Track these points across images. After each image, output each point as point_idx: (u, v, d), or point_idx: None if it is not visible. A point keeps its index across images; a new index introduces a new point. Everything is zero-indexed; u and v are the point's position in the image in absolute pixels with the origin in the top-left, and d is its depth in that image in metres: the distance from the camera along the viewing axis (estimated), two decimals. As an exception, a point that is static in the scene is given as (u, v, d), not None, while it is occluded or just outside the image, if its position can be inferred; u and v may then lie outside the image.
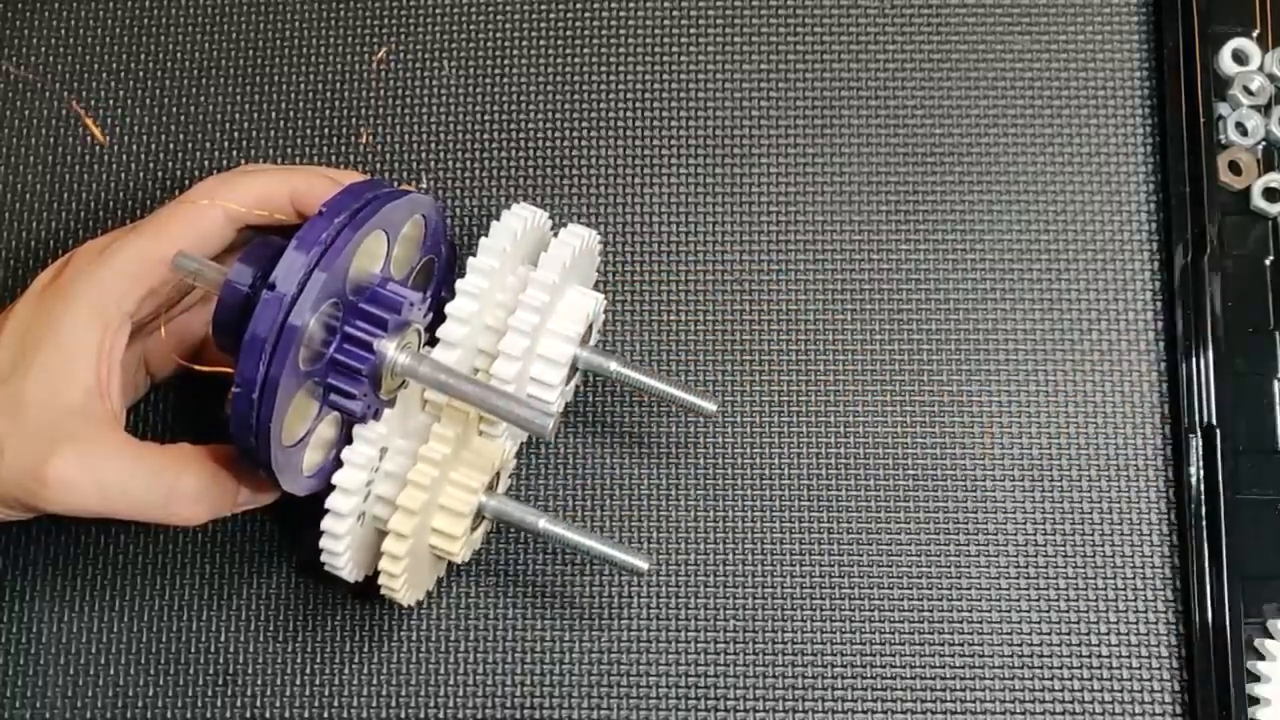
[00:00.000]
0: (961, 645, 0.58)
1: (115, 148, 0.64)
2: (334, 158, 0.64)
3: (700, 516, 0.60)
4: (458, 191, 0.63)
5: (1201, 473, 0.58)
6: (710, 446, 0.61)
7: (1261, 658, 0.57)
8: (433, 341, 0.53)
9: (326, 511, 0.51)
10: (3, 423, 0.50)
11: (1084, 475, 0.60)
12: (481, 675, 0.59)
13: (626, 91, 0.65)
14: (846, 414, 0.61)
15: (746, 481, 0.60)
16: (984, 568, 0.59)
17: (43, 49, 0.66)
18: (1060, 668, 0.58)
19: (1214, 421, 0.58)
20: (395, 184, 0.57)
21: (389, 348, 0.50)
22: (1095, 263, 0.62)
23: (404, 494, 0.51)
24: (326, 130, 0.64)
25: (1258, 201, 0.61)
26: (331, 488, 0.51)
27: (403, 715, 0.58)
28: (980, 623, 0.59)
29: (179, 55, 0.65)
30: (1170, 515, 0.59)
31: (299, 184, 0.54)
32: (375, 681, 0.59)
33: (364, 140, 0.64)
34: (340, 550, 0.51)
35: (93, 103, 0.65)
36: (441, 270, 0.57)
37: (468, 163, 0.64)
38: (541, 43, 0.65)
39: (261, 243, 0.50)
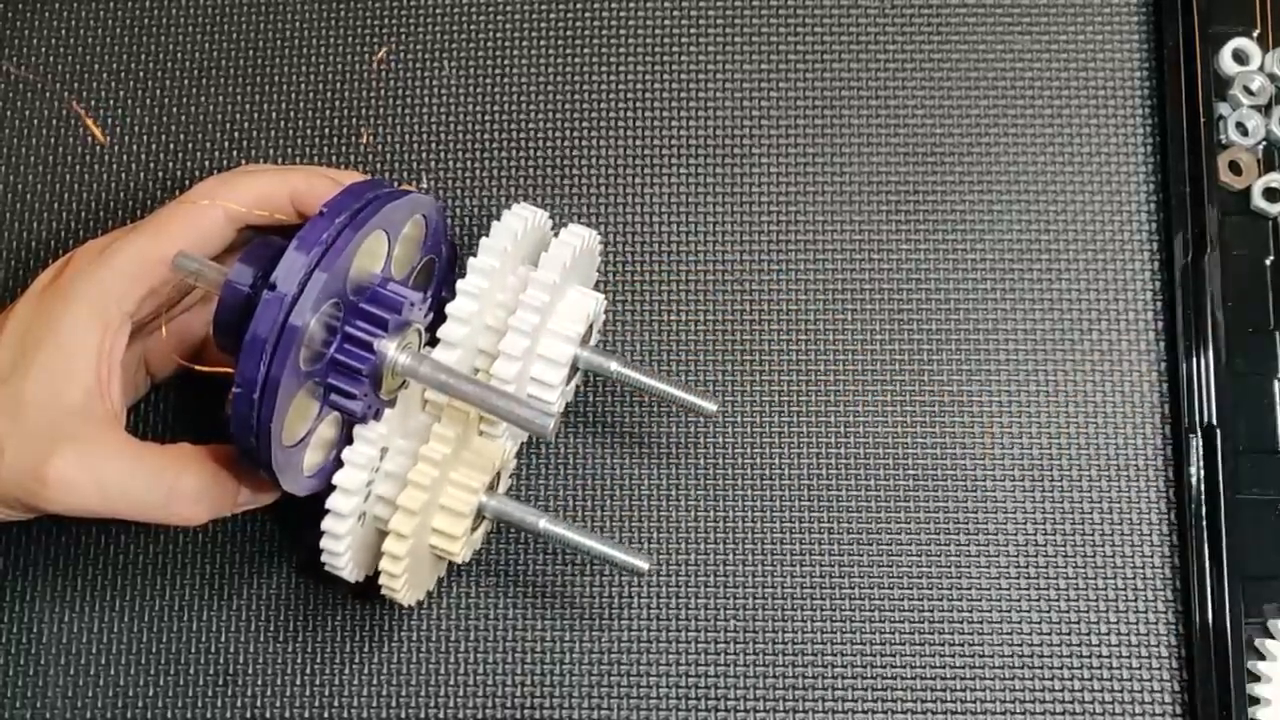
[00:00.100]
0: (961, 645, 0.58)
1: (115, 148, 0.64)
2: (334, 158, 0.64)
3: (700, 516, 0.60)
4: (458, 191, 0.63)
5: (1201, 473, 0.58)
6: (710, 446, 0.61)
7: (1262, 658, 0.57)
8: (433, 341, 0.53)
9: (327, 511, 0.51)
10: (3, 423, 0.50)
11: (1084, 475, 0.60)
12: (481, 675, 0.59)
13: (626, 91, 0.65)
14: (846, 414, 0.61)
15: (746, 481, 0.60)
16: (984, 568, 0.59)
17: (43, 49, 0.66)
18: (1060, 668, 0.58)
19: (1214, 421, 0.58)
20: (396, 184, 0.57)
21: (389, 348, 0.50)
22: (1095, 263, 0.62)
23: (404, 494, 0.51)
24: (327, 130, 0.64)
25: (1258, 201, 0.61)
26: (332, 488, 0.51)
27: (403, 715, 0.58)
28: (980, 623, 0.59)
29: (179, 55, 0.65)
30: (1170, 515, 0.59)
31: (299, 184, 0.54)
32: (375, 681, 0.59)
33: (364, 140, 0.64)
34: (341, 550, 0.51)
35: (93, 103, 0.65)
36: (442, 270, 0.57)
37: (468, 163, 0.64)
38: (541, 43, 0.65)
39: (262, 243, 0.50)
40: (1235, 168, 0.62)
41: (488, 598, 0.59)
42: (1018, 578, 0.59)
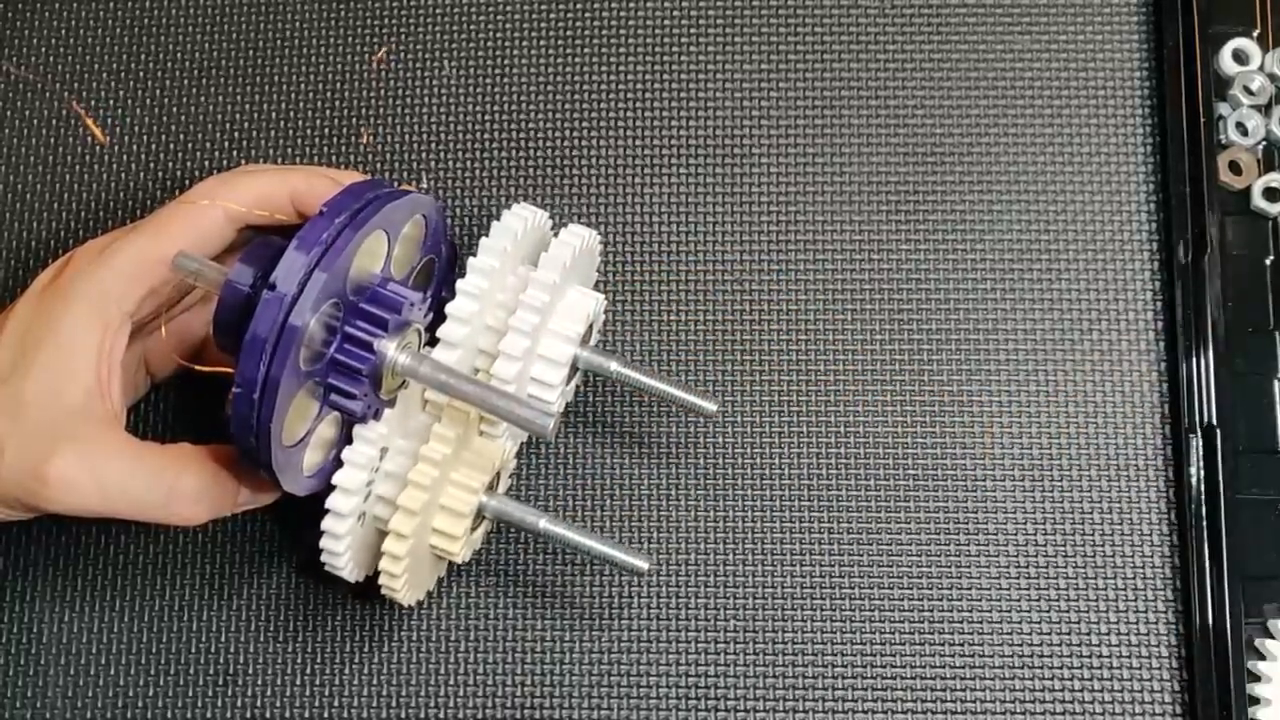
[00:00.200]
0: (961, 645, 0.58)
1: (115, 148, 0.64)
2: (334, 158, 0.64)
3: (700, 516, 0.60)
4: (458, 191, 0.63)
5: (1201, 473, 0.58)
6: (710, 446, 0.61)
7: (1262, 658, 0.57)
8: (433, 341, 0.53)
9: (327, 511, 0.51)
10: (3, 423, 0.50)
11: (1084, 475, 0.60)
12: (481, 675, 0.59)
13: (626, 91, 0.65)
14: (846, 414, 0.61)
15: (746, 481, 0.60)
16: (984, 568, 0.59)
17: (43, 49, 0.66)
18: (1060, 668, 0.58)
19: (1214, 421, 0.58)
20: (395, 184, 0.57)
21: (389, 348, 0.50)
22: (1095, 263, 0.62)
23: (404, 494, 0.51)
24: (327, 130, 0.64)
25: (1258, 201, 0.61)
26: (332, 488, 0.51)
27: (403, 715, 0.58)
28: (980, 623, 0.59)
29: (179, 55, 0.65)
30: (1170, 515, 0.59)
31: (299, 184, 0.54)
32: (375, 681, 0.59)
33: (364, 140, 0.64)
34: (341, 550, 0.51)
35: (93, 103, 0.65)
36: (442, 270, 0.57)
37: (468, 163, 0.64)
38: (541, 43, 0.65)
39: (262, 243, 0.50)
40: (1235, 168, 0.62)
41: (488, 598, 0.59)
42: (1018, 578, 0.59)
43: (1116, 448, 0.60)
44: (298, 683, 0.59)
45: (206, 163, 0.64)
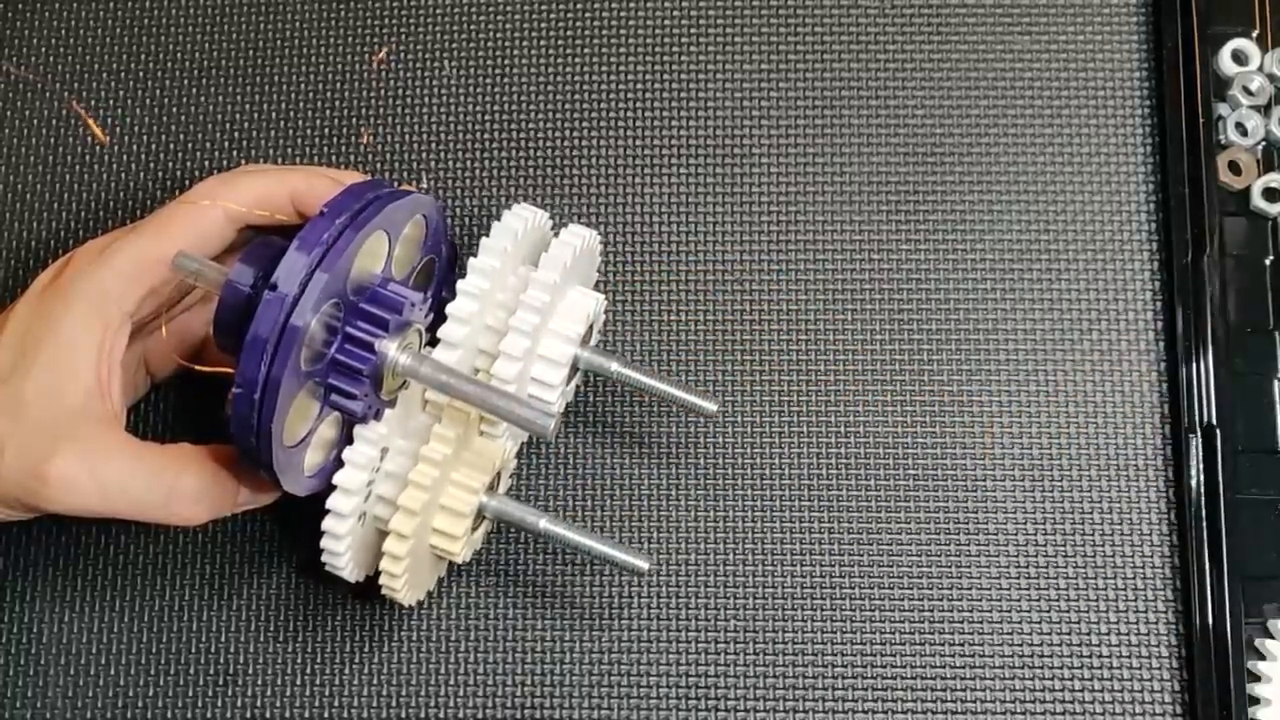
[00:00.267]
0: (961, 645, 0.58)
1: (115, 148, 0.64)
2: (334, 158, 0.64)
3: (700, 516, 0.60)
4: (458, 191, 0.63)
5: (1201, 473, 0.58)
6: (710, 446, 0.61)
7: (1262, 658, 0.57)
8: (433, 342, 0.53)
9: (327, 512, 0.51)
10: (3, 423, 0.50)
11: (1084, 475, 0.60)
12: (481, 675, 0.59)
13: (626, 91, 0.65)
14: (846, 414, 0.61)
15: (746, 481, 0.60)
16: (984, 568, 0.59)
17: (43, 49, 0.66)
18: (1060, 668, 0.58)
19: (1214, 421, 0.58)
20: (396, 184, 0.57)
21: (390, 348, 0.50)
22: (1095, 263, 0.62)
23: (405, 494, 0.51)
24: (327, 130, 0.64)
25: (1257, 202, 0.61)
26: (332, 488, 0.51)
27: (403, 715, 0.58)
28: (980, 623, 0.59)
29: (179, 55, 0.65)
30: (1170, 515, 0.59)
31: (299, 184, 0.54)
32: (375, 681, 0.59)
33: (365, 140, 0.64)
34: (341, 550, 0.51)
35: (93, 103, 0.65)
36: (442, 270, 0.57)
37: (468, 163, 0.64)
38: (541, 43, 0.65)
39: (262, 243, 0.50)
40: (1235, 168, 0.62)
41: (488, 598, 0.59)
42: (1018, 578, 0.59)
43: (1116, 448, 0.60)
44: (298, 683, 0.59)
45: (206, 163, 0.64)
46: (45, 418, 0.50)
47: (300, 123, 0.64)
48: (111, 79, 0.65)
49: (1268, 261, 0.61)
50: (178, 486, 0.51)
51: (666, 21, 0.65)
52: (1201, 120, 0.61)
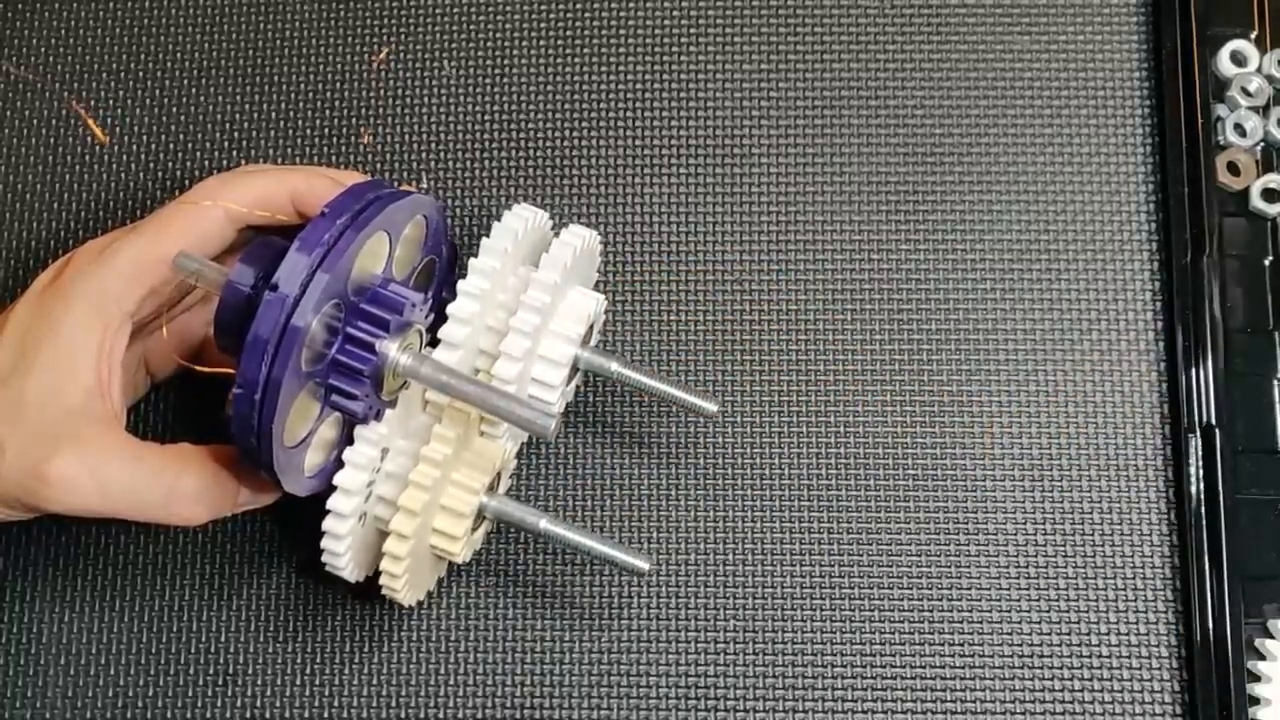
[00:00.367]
0: (961, 645, 0.58)
1: (115, 148, 0.64)
2: (334, 158, 0.64)
3: (700, 516, 0.60)
4: (458, 192, 0.63)
5: (1201, 473, 0.58)
6: (710, 446, 0.61)
7: (1262, 658, 0.57)
8: (434, 342, 0.53)
9: (328, 512, 0.51)
10: (4, 423, 0.50)
11: (1084, 475, 0.60)
12: (481, 675, 0.59)
13: (626, 91, 0.65)
14: (846, 414, 0.61)
15: (746, 481, 0.60)
16: (984, 568, 0.59)
17: (43, 49, 0.66)
18: (1060, 668, 0.58)
19: (1214, 421, 0.58)
20: (396, 184, 0.57)
21: (391, 349, 0.50)
22: (1095, 263, 0.62)
23: (405, 494, 0.51)
24: (327, 130, 0.64)
25: (1256, 202, 0.62)
26: (333, 488, 0.51)
27: (403, 715, 0.58)
28: (980, 623, 0.59)
29: (179, 55, 0.65)
30: (1170, 515, 0.59)
31: (299, 184, 0.54)
32: (375, 681, 0.59)
33: (365, 141, 0.64)
34: (341, 550, 0.51)
35: (93, 103, 0.65)
36: (442, 271, 0.57)
37: (468, 163, 0.64)
38: (541, 43, 0.65)
39: (262, 243, 0.50)
40: (1234, 168, 0.62)
41: (488, 598, 0.59)
42: (1018, 578, 0.59)
43: (1116, 448, 0.60)
44: (298, 683, 0.59)
45: (206, 163, 0.64)
46: (45, 418, 0.50)
47: (300, 123, 0.64)
48: (111, 79, 0.65)
49: (1267, 262, 0.61)
50: (178, 486, 0.51)
51: (666, 21, 0.65)
52: (1200, 121, 0.62)
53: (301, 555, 0.60)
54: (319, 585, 0.59)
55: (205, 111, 0.65)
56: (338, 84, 0.65)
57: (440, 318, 0.52)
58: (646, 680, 0.58)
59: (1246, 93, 0.63)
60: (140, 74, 0.65)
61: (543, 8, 0.66)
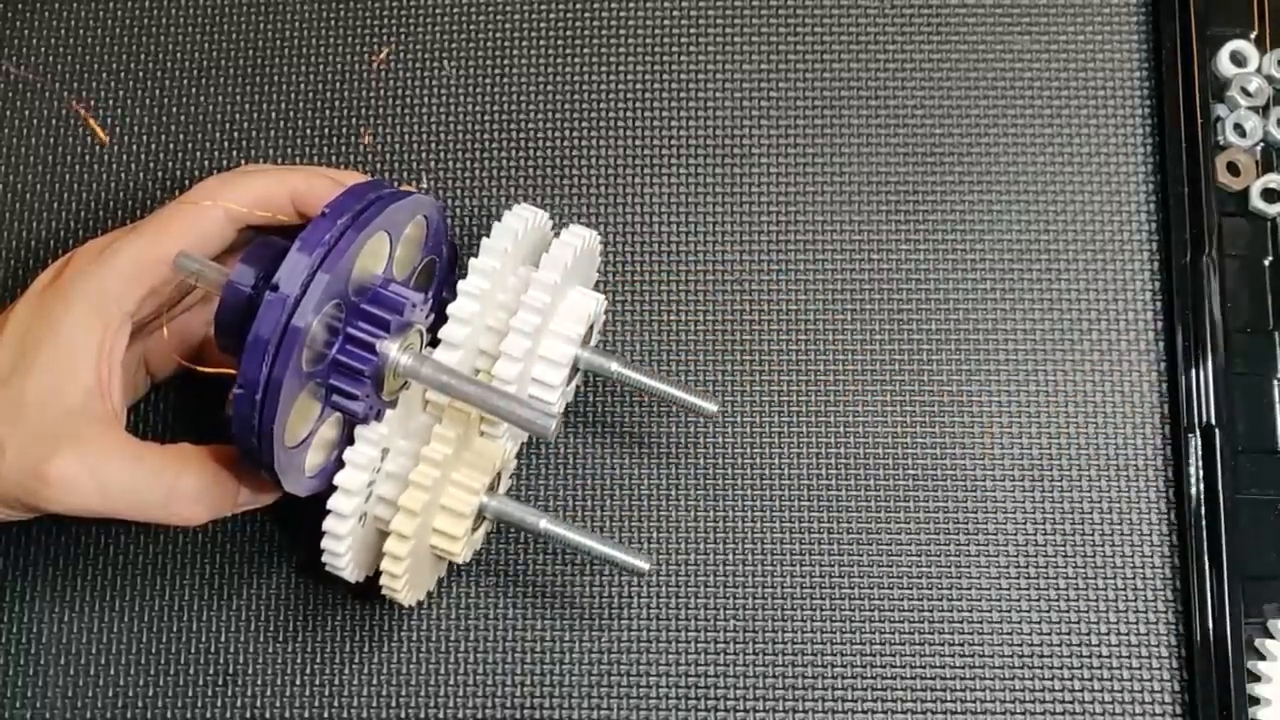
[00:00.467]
0: (961, 645, 0.58)
1: (115, 148, 0.64)
2: (335, 158, 0.64)
3: (700, 516, 0.60)
4: (458, 192, 0.63)
5: (1201, 473, 0.58)
6: (710, 446, 0.61)
7: (1262, 658, 0.57)
8: (434, 342, 0.53)
9: (328, 512, 0.51)
10: (4, 423, 0.50)
11: (1084, 475, 0.60)
12: (481, 675, 0.59)
13: (626, 91, 0.65)
14: (846, 414, 0.61)
15: (746, 481, 0.60)
16: (984, 568, 0.59)
17: (43, 49, 0.66)
18: (1060, 668, 0.58)
19: (1213, 421, 0.58)
20: (396, 184, 0.57)
21: (391, 349, 0.50)
22: (1095, 263, 0.62)
23: (406, 495, 0.51)
24: (327, 130, 0.64)
25: (1256, 202, 0.62)
26: (333, 488, 0.51)
27: (403, 715, 0.58)
28: (980, 623, 0.59)
29: (179, 55, 0.65)
30: (1170, 515, 0.59)
31: (299, 184, 0.54)
32: (375, 681, 0.59)
33: (365, 141, 0.64)
34: (342, 550, 0.51)
35: (93, 103, 0.65)
36: (443, 271, 0.57)
37: (468, 163, 0.64)
38: (541, 43, 0.65)
39: (263, 243, 0.50)
40: (1233, 169, 0.62)
41: (488, 598, 0.59)
42: (1018, 578, 0.59)
43: (1116, 448, 0.60)
44: (298, 683, 0.59)
45: (206, 163, 0.64)
46: (45, 418, 0.50)
47: (300, 123, 0.64)
48: (111, 79, 0.65)
49: (1267, 262, 0.61)
50: (178, 486, 0.51)
51: (666, 21, 0.65)
52: (1200, 121, 0.62)
53: (301, 555, 0.60)
54: (319, 585, 0.59)
55: (205, 111, 0.65)
56: (338, 84, 0.65)
57: (440, 318, 0.52)
58: (646, 680, 0.58)
59: (1246, 93, 0.63)
60: (140, 74, 0.65)
61: (543, 8, 0.66)
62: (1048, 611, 0.59)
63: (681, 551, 0.60)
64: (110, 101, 0.65)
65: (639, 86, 0.65)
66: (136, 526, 0.60)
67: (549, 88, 0.65)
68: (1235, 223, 0.62)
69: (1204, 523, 0.58)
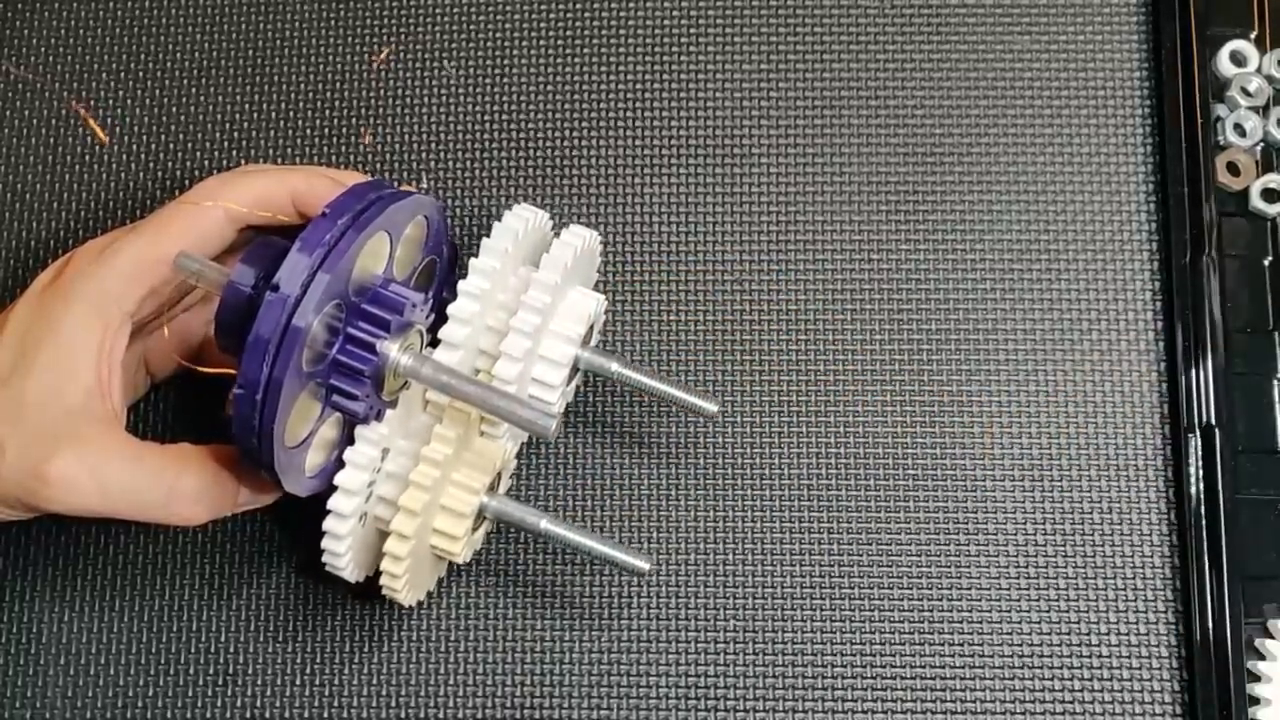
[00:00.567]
0: (961, 645, 0.58)
1: (115, 148, 0.64)
2: (335, 158, 0.64)
3: (700, 516, 0.60)
4: (458, 192, 0.63)
5: (1201, 473, 0.58)
6: (710, 446, 0.61)
7: (1262, 658, 0.57)
8: (435, 342, 0.53)
9: (328, 512, 0.51)
10: (4, 423, 0.50)
11: (1084, 475, 0.60)
12: (481, 675, 0.59)
13: (626, 91, 0.65)
14: (846, 414, 0.61)
15: (746, 481, 0.60)
16: (984, 568, 0.59)
17: (43, 49, 0.66)
18: (1060, 668, 0.58)
19: (1213, 421, 0.58)
20: (396, 184, 0.57)
21: (392, 349, 0.50)
22: (1095, 263, 0.62)
23: (406, 495, 0.51)
24: (327, 130, 0.64)
25: (1256, 202, 0.62)
26: (333, 488, 0.51)
27: (403, 715, 0.58)
28: (980, 623, 0.59)
29: (179, 55, 0.65)
30: (1170, 515, 0.60)
31: (299, 184, 0.54)
32: (375, 681, 0.59)
33: (366, 141, 0.64)
34: (342, 550, 0.51)
35: (93, 103, 0.65)
36: (443, 271, 0.57)
37: (468, 163, 0.64)
38: (541, 43, 0.65)
39: (263, 243, 0.50)
40: (1233, 168, 0.62)
41: (488, 598, 0.59)
42: (1018, 578, 0.59)
43: (1116, 448, 0.60)
44: (298, 683, 0.59)
45: (206, 163, 0.64)
46: (45, 418, 0.50)
47: (300, 123, 0.64)
48: (111, 79, 0.65)
49: (1267, 262, 0.61)
50: (178, 486, 0.51)
51: (666, 21, 0.65)
52: (1200, 121, 0.62)
53: (301, 555, 0.60)
54: (319, 585, 0.59)
55: (205, 111, 0.65)
56: (338, 84, 0.65)
57: (441, 318, 0.52)
58: (646, 680, 0.58)
59: (1246, 93, 0.63)
60: (140, 74, 0.65)
61: (543, 8, 0.66)
62: (1048, 611, 0.59)
63: (681, 551, 0.60)
64: (110, 101, 0.65)
65: (639, 86, 0.65)
66: (136, 526, 0.60)
67: (549, 88, 0.65)
68: (1235, 223, 0.62)
69: (1204, 523, 0.58)
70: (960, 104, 0.64)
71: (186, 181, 0.63)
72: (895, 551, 0.59)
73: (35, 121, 0.65)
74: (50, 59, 0.65)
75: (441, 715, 0.58)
